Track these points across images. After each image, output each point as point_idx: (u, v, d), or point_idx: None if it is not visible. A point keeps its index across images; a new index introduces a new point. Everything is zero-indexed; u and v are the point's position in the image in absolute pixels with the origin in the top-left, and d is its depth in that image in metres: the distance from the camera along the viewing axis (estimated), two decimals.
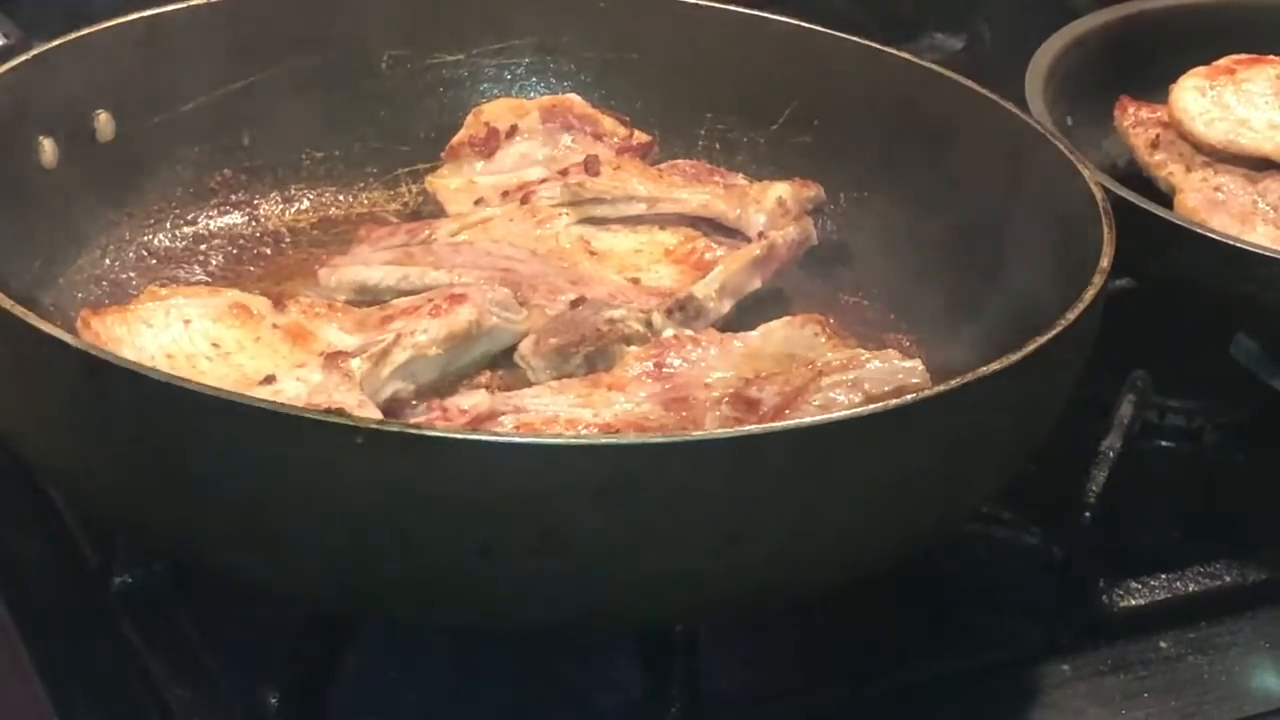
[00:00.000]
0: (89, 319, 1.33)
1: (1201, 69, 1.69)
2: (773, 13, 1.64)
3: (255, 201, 1.61)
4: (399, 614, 1.18)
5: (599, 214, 1.55)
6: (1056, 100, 1.63)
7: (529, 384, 1.37)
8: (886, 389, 1.27)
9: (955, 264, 1.50)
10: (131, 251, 1.53)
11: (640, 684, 1.24)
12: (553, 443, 1.09)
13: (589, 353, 1.39)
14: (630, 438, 1.19)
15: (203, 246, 1.57)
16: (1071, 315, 1.21)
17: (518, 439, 1.13)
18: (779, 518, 1.10)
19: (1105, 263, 1.28)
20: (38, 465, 1.30)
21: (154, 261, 1.54)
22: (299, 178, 1.64)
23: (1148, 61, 1.74)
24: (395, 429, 1.06)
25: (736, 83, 1.65)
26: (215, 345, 1.34)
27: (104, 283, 1.50)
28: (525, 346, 1.40)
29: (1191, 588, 1.40)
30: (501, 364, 1.41)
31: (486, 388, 1.36)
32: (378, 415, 1.26)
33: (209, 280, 1.52)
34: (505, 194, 1.58)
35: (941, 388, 1.13)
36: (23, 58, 1.43)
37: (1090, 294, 1.24)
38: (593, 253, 1.53)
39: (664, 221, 1.55)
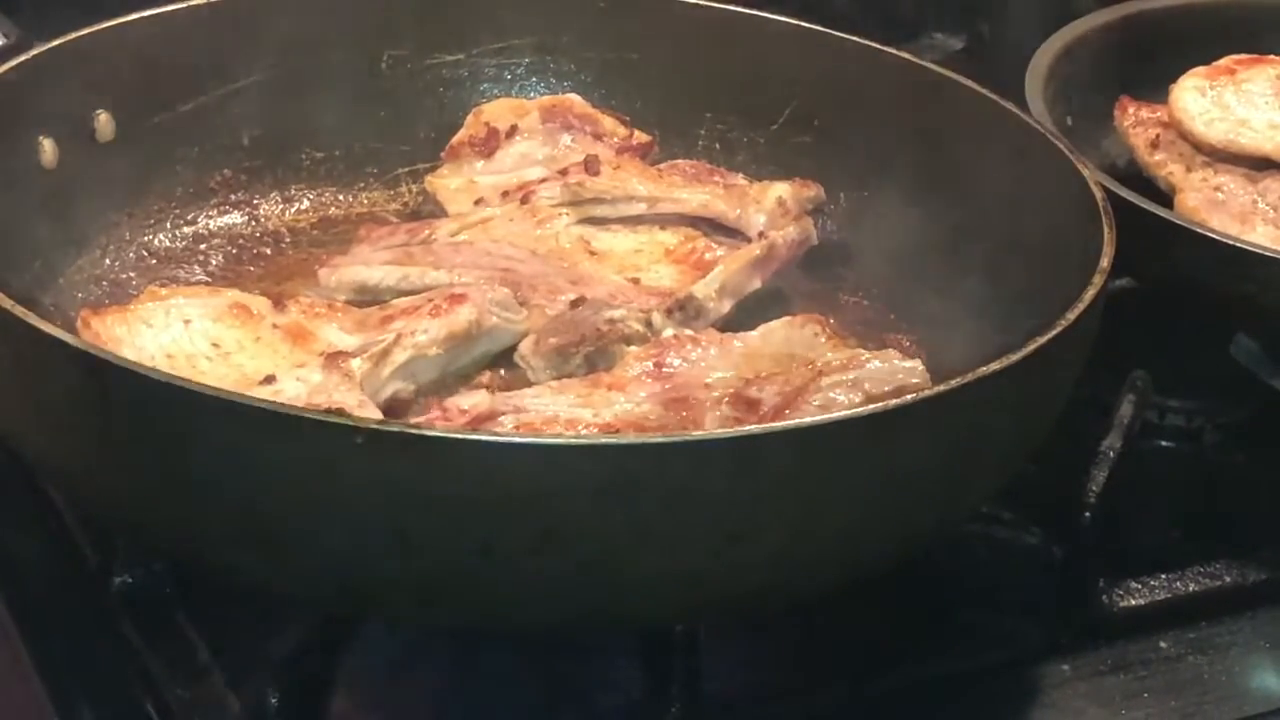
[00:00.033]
0: (89, 319, 1.33)
1: (1201, 69, 1.69)
2: (773, 13, 1.64)
3: (255, 201, 1.61)
4: (399, 614, 1.18)
5: (599, 214, 1.55)
6: (1056, 100, 1.63)
7: (529, 384, 1.37)
8: (886, 389, 1.27)
9: (955, 264, 1.50)
10: (131, 251, 1.53)
11: (640, 684, 1.24)
12: (553, 443, 1.09)
13: (589, 353, 1.39)
14: (630, 438, 1.19)
15: (203, 246, 1.57)
16: (1071, 315, 1.21)
17: (518, 439, 1.13)
18: (779, 518, 1.10)
19: (1105, 263, 1.28)
20: (38, 465, 1.30)
21: (154, 261, 1.54)
22: (299, 178, 1.64)
23: (1148, 61, 1.74)
24: (395, 429, 1.06)
25: (736, 83, 1.65)
26: (215, 345, 1.34)
27: (104, 283, 1.50)
28: (525, 346, 1.41)
29: (1191, 588, 1.40)
30: (501, 364, 1.41)
31: (486, 388, 1.36)
32: (378, 415, 1.26)
33: (209, 280, 1.52)
34: (505, 194, 1.58)
35: (941, 388, 1.13)
36: (23, 58, 1.43)
37: (1090, 294, 1.24)
38: (593, 253, 1.53)
39: (664, 221, 1.55)
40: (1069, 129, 1.62)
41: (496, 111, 1.64)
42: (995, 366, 1.15)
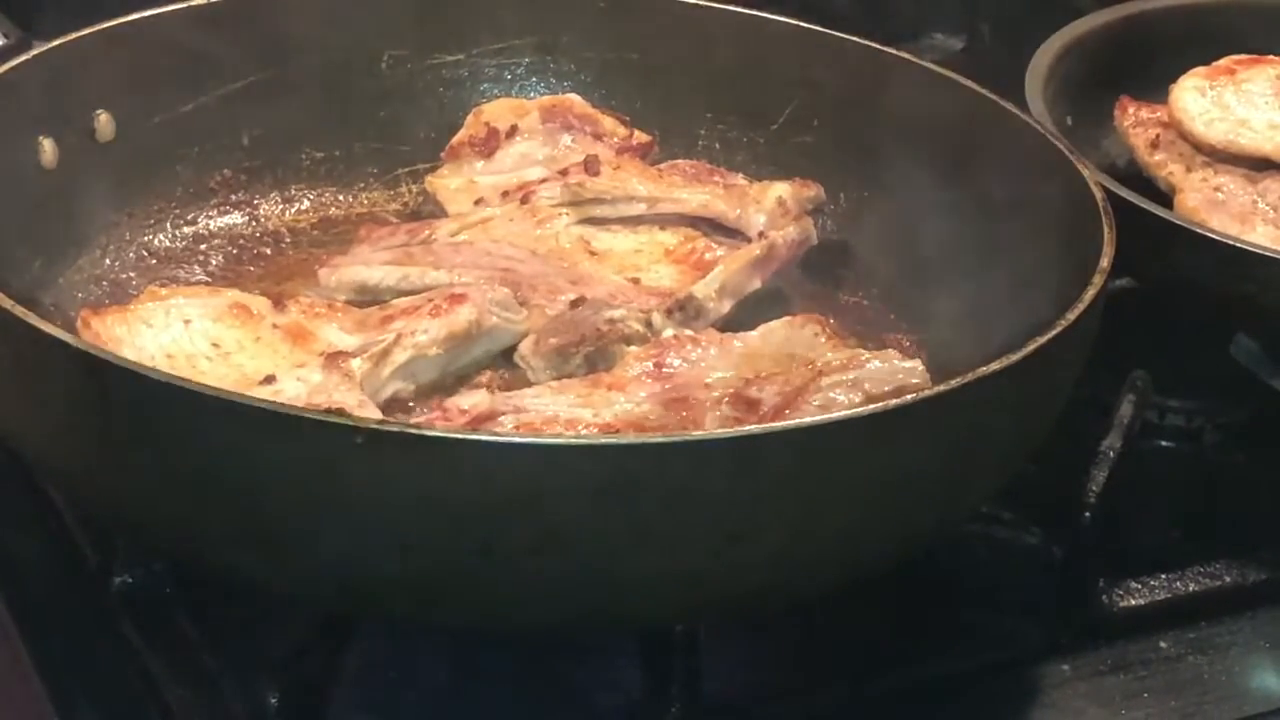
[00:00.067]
0: (89, 319, 1.33)
1: (1201, 69, 1.69)
2: (773, 13, 1.64)
3: (255, 201, 1.61)
4: (399, 614, 1.18)
5: (599, 214, 1.55)
6: (1056, 100, 1.63)
7: (529, 384, 1.37)
8: (886, 389, 1.27)
9: (955, 264, 1.49)
10: (131, 251, 1.53)
11: (640, 684, 1.24)
12: (553, 443, 1.09)
13: (589, 353, 1.39)
14: (630, 438, 1.19)
15: (203, 246, 1.57)
16: (1071, 315, 1.21)
17: (518, 439, 1.13)
18: (779, 518, 1.10)
19: (1105, 263, 1.28)
20: (38, 465, 1.30)
21: (154, 261, 1.54)
22: (299, 178, 1.63)
23: (1148, 61, 1.74)
24: (395, 429, 1.06)
25: (736, 83, 1.65)
26: (215, 345, 1.34)
27: (104, 283, 1.50)
28: (525, 346, 1.41)
29: (1191, 588, 1.40)
30: (501, 364, 1.41)
31: (486, 388, 1.36)
32: (378, 415, 1.26)
33: (209, 280, 1.52)
34: (505, 194, 1.58)
35: (941, 388, 1.13)
36: (23, 58, 1.43)
37: (1090, 294, 1.24)
38: (593, 253, 1.53)
39: (664, 221, 1.55)
40: (1069, 129, 1.62)
41: (496, 111, 1.64)
42: (995, 366, 1.15)
